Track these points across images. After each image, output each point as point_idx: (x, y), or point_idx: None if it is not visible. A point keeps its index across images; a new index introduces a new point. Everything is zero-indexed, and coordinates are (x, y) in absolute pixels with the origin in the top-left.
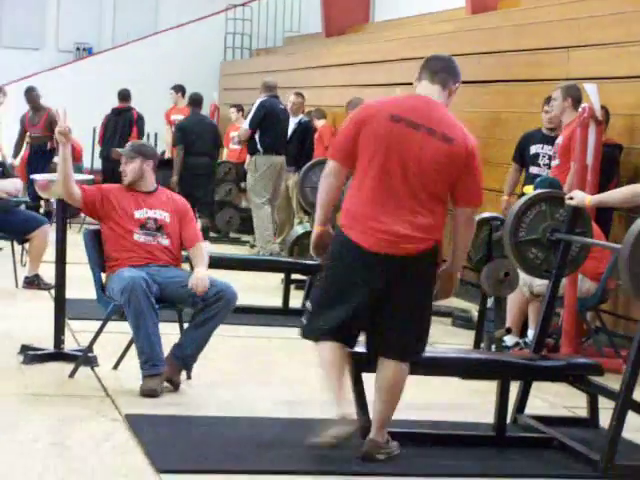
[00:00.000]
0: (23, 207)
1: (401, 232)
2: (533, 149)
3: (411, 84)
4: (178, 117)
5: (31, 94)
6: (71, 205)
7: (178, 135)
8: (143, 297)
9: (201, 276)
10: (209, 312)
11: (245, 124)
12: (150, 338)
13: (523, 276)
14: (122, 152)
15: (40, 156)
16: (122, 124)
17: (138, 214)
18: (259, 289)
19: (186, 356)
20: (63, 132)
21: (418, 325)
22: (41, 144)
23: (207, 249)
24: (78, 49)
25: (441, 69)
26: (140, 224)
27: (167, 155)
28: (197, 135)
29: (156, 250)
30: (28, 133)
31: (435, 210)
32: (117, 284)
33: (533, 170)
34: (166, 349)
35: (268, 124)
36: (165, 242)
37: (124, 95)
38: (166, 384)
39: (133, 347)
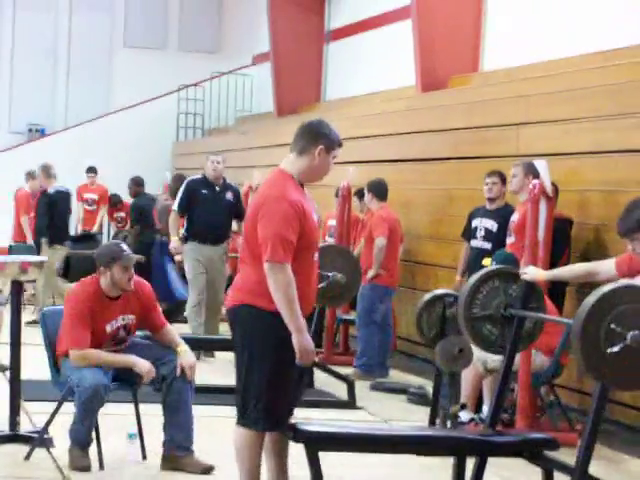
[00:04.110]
0: None
1: None
2: (474, 223)
3: (364, 162)
4: (91, 196)
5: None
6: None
7: (136, 215)
8: (98, 405)
9: (192, 360)
10: (174, 389)
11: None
12: (91, 429)
13: (477, 352)
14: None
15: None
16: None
17: (109, 328)
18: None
19: (184, 441)
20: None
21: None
22: None
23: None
24: (30, 130)
25: (298, 136)
26: (111, 337)
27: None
28: (149, 213)
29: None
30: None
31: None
32: (76, 377)
33: (472, 243)
34: (116, 428)
35: None
36: (128, 340)
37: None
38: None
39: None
